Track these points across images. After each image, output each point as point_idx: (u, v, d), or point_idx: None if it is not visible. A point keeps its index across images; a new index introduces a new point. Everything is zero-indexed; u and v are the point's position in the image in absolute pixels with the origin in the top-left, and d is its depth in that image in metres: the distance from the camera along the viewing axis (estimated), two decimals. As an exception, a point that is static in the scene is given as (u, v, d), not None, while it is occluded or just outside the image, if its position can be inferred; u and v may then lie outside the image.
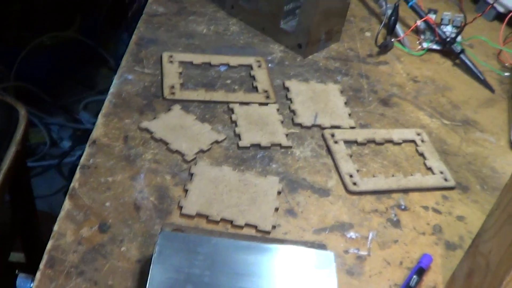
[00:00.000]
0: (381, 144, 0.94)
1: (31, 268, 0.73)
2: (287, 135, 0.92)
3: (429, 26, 1.19)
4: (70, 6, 2.10)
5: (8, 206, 1.22)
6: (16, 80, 1.96)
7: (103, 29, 2.05)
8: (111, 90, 0.94)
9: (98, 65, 2.16)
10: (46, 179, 1.96)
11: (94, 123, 0.89)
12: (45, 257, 0.70)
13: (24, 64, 1.95)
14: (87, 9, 2.07)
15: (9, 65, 1.95)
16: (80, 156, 0.85)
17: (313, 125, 0.95)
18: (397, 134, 0.96)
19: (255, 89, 1.00)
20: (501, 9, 1.28)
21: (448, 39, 1.16)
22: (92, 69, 2.20)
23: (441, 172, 0.90)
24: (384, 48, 1.15)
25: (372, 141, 0.94)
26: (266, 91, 0.99)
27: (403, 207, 0.85)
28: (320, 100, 1.00)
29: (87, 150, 0.84)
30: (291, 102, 0.98)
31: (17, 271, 0.84)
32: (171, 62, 1.01)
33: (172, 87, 0.96)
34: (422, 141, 0.96)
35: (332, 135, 0.93)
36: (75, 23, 2.08)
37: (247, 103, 0.96)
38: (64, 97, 2.14)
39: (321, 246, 0.71)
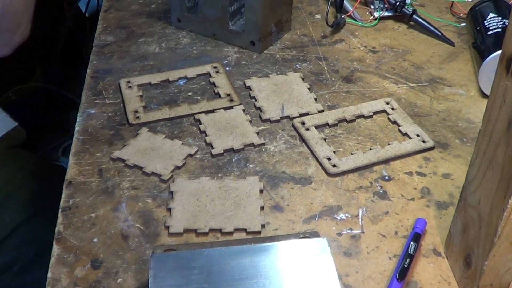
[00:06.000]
0: (352, 121, 0.94)
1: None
2: (258, 133, 0.91)
3: (376, -5, 1.19)
4: (28, 56, 2.09)
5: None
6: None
7: (63, 71, 2.04)
8: (77, 128, 0.93)
9: (67, 108, 2.15)
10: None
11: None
12: (44, 307, 0.69)
13: (-5, 124, 1.94)
14: (44, 56, 2.06)
15: (-21, 127, 1.94)
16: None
17: (282, 118, 0.94)
18: (366, 107, 0.96)
19: (218, 95, 0.99)
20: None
21: (398, 3, 1.16)
22: (62, 113, 2.19)
23: (418, 135, 0.90)
24: (337, 26, 1.15)
25: (343, 120, 0.94)
26: (228, 95, 0.99)
27: (386, 177, 0.84)
28: (283, 91, 0.99)
29: (65, 191, 0.83)
30: (256, 99, 0.98)
31: None
32: (129, 87, 1.01)
33: (136, 111, 0.96)
34: (392, 109, 0.95)
35: (302, 123, 0.92)
36: (36, 72, 2.07)
37: (212, 111, 0.96)
38: (41, 147, 2.12)
39: (314, 234, 0.70)
